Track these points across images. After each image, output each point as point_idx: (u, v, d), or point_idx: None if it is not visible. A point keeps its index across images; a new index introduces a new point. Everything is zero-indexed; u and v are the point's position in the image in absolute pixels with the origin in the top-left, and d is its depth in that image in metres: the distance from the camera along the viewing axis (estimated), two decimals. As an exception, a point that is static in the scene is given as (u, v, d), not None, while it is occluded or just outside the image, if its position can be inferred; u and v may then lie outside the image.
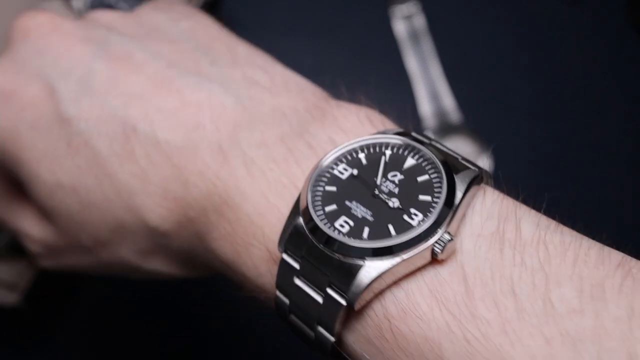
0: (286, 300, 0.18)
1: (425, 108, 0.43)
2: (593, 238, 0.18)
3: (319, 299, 0.17)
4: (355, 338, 0.17)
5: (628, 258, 0.16)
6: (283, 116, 0.20)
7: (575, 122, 0.44)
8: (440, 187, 0.17)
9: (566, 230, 0.17)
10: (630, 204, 0.42)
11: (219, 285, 0.41)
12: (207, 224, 0.20)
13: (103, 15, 0.24)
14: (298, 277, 0.18)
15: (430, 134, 0.43)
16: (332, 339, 0.17)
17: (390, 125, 0.20)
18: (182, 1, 0.39)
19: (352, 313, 0.17)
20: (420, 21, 0.45)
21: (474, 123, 0.43)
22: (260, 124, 0.20)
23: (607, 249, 0.16)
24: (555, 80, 0.44)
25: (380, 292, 0.17)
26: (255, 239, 0.19)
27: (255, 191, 0.19)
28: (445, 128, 0.43)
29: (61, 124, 0.21)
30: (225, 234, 0.20)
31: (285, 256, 0.18)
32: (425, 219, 0.17)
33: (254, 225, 0.19)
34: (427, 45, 0.45)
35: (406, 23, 0.45)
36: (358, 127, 0.20)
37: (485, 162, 0.42)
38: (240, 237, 0.19)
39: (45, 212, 0.23)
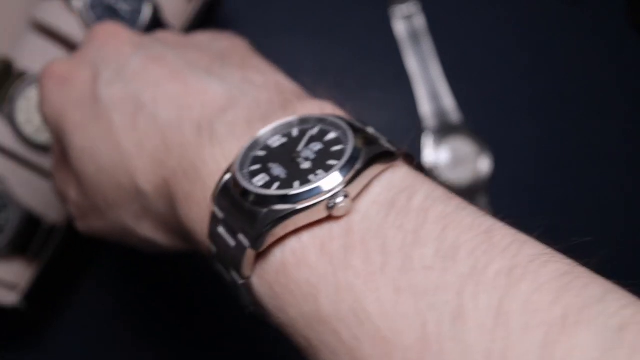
0: (214, 249, 0.21)
1: (425, 108, 0.44)
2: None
3: (233, 244, 0.20)
4: (259, 282, 0.20)
5: (499, 225, 0.18)
6: (258, 106, 0.24)
7: (575, 122, 0.44)
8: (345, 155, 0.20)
9: (453, 203, 0.19)
10: (630, 204, 0.42)
11: (221, 285, 0.41)
12: (176, 186, 0.24)
13: (162, 34, 0.30)
14: (221, 225, 0.21)
15: (430, 134, 0.43)
16: (240, 280, 0.20)
17: (340, 114, 0.23)
18: (183, 1, 0.39)
19: (258, 259, 0.20)
20: (420, 21, 0.45)
21: (474, 123, 0.43)
22: (237, 109, 0.24)
23: (483, 218, 0.18)
24: (555, 80, 0.44)
25: (282, 240, 0.19)
26: (204, 197, 0.22)
27: (212, 157, 0.23)
28: (445, 128, 0.43)
29: (94, 101, 0.26)
30: (186, 194, 0.23)
31: (215, 208, 0.21)
32: (323, 177, 0.19)
33: (205, 186, 0.22)
34: (427, 45, 0.45)
35: (406, 23, 0.45)
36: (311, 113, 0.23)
37: (485, 162, 0.42)
38: (195, 196, 0.23)
39: (76, 176, 0.28)
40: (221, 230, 0.21)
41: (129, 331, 0.41)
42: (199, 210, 0.23)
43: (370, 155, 0.20)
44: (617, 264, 0.44)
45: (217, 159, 0.22)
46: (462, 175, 0.42)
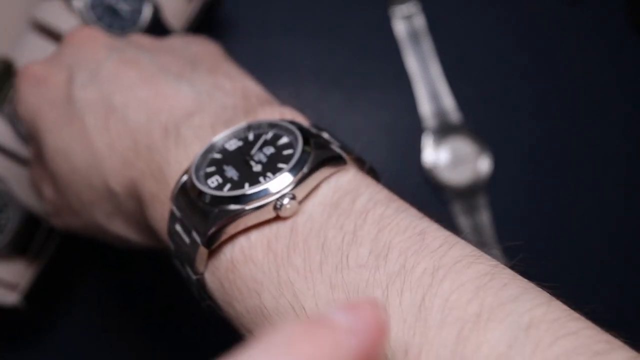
0: (172, 246, 0.22)
1: (425, 108, 0.44)
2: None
3: (187, 241, 0.21)
4: (211, 278, 0.21)
5: (433, 227, 0.19)
6: (224, 110, 0.25)
7: (575, 122, 0.44)
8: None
9: (394, 205, 0.20)
10: (630, 204, 0.42)
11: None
12: (143, 187, 0.24)
13: (137, 37, 0.30)
14: (178, 224, 0.22)
15: (430, 134, 0.43)
16: (194, 276, 0.21)
17: (299, 119, 0.24)
18: (183, 1, 0.39)
19: (210, 256, 0.21)
20: (420, 21, 0.45)
21: (474, 123, 0.43)
22: (203, 114, 0.24)
23: (419, 221, 0.19)
24: (555, 80, 0.44)
25: (232, 239, 0.20)
26: (166, 197, 0.23)
27: (176, 159, 0.23)
28: (445, 128, 0.43)
29: (68, 102, 0.27)
30: (152, 195, 0.24)
31: (173, 207, 0.22)
32: (272, 180, 0.20)
33: (168, 187, 0.23)
34: (427, 45, 0.45)
35: (406, 23, 0.45)
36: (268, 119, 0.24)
37: (485, 162, 0.42)
38: (160, 196, 0.24)
39: (50, 176, 0.29)
40: (178, 228, 0.22)
41: (129, 331, 0.41)
42: (162, 209, 0.24)
43: (318, 159, 0.21)
44: (616, 263, 0.44)
45: (180, 161, 0.23)
46: (462, 175, 0.42)
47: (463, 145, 0.43)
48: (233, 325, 0.21)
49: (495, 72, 0.45)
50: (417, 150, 0.43)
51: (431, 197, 0.42)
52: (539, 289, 0.17)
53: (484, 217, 0.41)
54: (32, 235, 0.36)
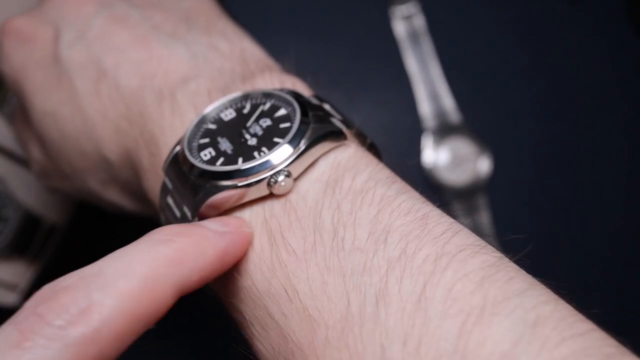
0: (163, 219, 0.22)
1: (425, 108, 0.43)
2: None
3: (178, 215, 0.20)
4: None
5: (436, 212, 0.18)
6: (221, 75, 0.23)
7: (575, 122, 0.44)
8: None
9: (395, 186, 0.19)
10: (630, 204, 0.42)
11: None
12: (139, 157, 0.24)
13: None
14: (170, 197, 0.21)
15: (430, 135, 0.43)
16: None
17: (300, 88, 0.23)
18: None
19: None
20: (420, 21, 0.45)
21: (474, 123, 0.43)
22: (200, 79, 0.23)
23: (422, 205, 0.18)
24: (555, 80, 0.44)
25: (224, 214, 0.20)
26: (160, 168, 0.22)
27: (172, 128, 0.22)
28: (445, 128, 0.43)
29: (55, 62, 0.25)
30: (147, 165, 0.23)
31: (166, 179, 0.21)
32: (266, 155, 0.19)
33: (161, 157, 0.22)
34: (427, 45, 0.45)
35: (406, 23, 0.45)
36: (268, 87, 0.22)
37: (485, 162, 0.42)
38: (155, 168, 0.23)
39: (38, 138, 0.27)
40: (170, 201, 0.21)
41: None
42: (155, 180, 0.23)
43: (316, 134, 0.20)
44: (616, 263, 0.44)
45: (176, 130, 0.22)
46: (462, 176, 0.42)
47: (463, 146, 0.43)
48: (224, 307, 0.21)
49: (495, 72, 0.45)
50: (417, 151, 0.43)
51: (431, 198, 0.42)
52: (544, 286, 0.16)
53: (484, 218, 0.41)
54: (32, 235, 0.36)
